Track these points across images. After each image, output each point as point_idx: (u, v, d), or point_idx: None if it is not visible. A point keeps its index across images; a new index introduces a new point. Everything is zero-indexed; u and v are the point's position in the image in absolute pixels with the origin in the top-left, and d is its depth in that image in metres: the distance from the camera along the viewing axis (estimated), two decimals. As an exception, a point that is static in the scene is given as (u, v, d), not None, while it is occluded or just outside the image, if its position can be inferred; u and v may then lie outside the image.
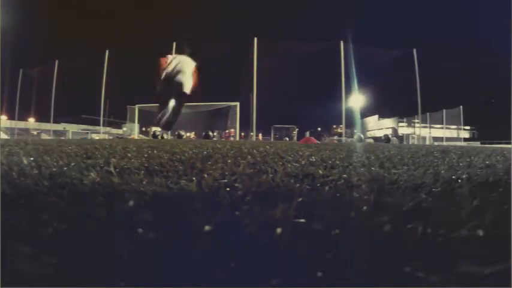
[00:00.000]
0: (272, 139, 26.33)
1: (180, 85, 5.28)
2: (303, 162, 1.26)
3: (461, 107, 24.72)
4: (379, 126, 47.50)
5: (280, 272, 0.29)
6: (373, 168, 1.09)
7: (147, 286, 0.27)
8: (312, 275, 0.29)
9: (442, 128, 26.54)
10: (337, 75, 18.19)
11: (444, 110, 25.32)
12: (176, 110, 5.49)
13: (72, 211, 0.49)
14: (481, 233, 0.39)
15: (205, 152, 1.74)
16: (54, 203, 0.52)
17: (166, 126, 5.75)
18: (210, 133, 15.53)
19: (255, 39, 18.06)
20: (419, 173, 0.97)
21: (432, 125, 26.19)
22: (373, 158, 1.60)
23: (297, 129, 28.79)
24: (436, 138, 24.13)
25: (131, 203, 0.51)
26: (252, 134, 20.04)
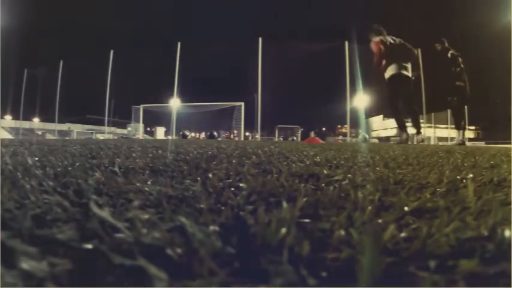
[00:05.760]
0: (276, 139, 26.31)
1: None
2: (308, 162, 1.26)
3: (465, 106, 24.50)
4: (384, 126, 47.28)
5: (283, 272, 0.29)
6: (377, 168, 1.09)
7: (149, 286, 0.27)
8: (316, 275, 0.29)
9: (446, 128, 26.38)
10: (341, 74, 18.11)
11: (449, 110, 25.14)
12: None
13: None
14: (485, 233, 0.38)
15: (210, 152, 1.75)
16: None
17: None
18: (215, 133, 15.54)
19: (260, 38, 18.03)
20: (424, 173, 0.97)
21: (437, 125, 26.01)
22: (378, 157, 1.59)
23: (301, 129, 28.76)
24: (440, 138, 23.97)
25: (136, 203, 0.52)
26: (257, 134, 20.03)
